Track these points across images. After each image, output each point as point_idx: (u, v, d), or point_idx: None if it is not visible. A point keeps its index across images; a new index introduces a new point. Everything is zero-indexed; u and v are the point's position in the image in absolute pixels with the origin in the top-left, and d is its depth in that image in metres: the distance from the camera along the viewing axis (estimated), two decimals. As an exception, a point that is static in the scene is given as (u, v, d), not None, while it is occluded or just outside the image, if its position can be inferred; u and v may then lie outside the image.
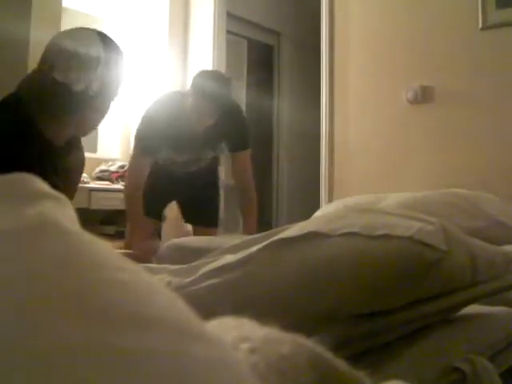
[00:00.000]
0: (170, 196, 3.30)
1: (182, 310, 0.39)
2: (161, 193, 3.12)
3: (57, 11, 3.58)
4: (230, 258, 1.07)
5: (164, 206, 3.37)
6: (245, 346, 0.46)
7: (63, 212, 0.47)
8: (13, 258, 0.38)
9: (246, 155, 3.03)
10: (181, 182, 3.12)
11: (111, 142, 5.03)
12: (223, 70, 4.82)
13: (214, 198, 3.39)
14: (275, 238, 1.03)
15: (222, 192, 3.75)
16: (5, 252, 0.39)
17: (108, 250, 0.43)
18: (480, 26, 3.37)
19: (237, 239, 1.68)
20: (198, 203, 3.25)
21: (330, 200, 3.93)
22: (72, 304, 0.35)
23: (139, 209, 2.81)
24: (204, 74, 2.77)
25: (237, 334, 0.48)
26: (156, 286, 0.41)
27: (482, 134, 3.36)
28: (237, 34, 5.73)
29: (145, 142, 2.78)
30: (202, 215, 3.30)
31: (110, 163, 4.80)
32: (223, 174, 4.43)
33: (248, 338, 0.47)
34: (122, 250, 2.62)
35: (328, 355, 0.50)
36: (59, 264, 0.38)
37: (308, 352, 0.48)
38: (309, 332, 0.52)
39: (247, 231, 3.01)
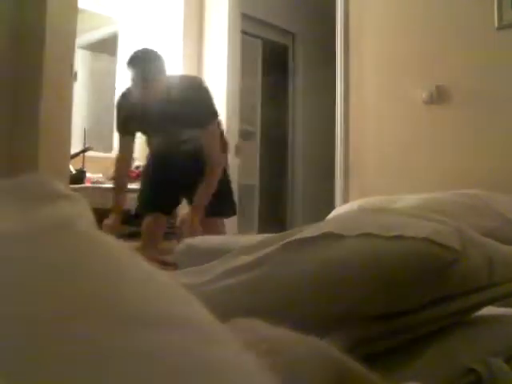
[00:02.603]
0: (175, 188, 3.29)
1: (199, 310, 0.39)
2: (163, 184, 3.25)
3: (73, 2, 3.58)
4: (245, 259, 1.07)
5: (174, 201, 3.39)
6: (261, 347, 0.46)
7: (79, 212, 0.47)
8: (27, 260, 0.38)
9: (213, 129, 3.14)
10: (180, 171, 3.20)
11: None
12: (238, 70, 4.83)
13: (222, 184, 3.23)
14: (291, 238, 1.03)
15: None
16: (20, 253, 0.39)
17: (123, 251, 0.43)
18: (496, 25, 3.35)
19: (251, 240, 1.68)
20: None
21: (345, 201, 3.91)
22: (88, 304, 0.35)
23: (123, 187, 3.38)
24: (131, 57, 3.04)
25: (252, 335, 0.48)
26: (171, 286, 0.41)
27: (498, 135, 3.33)
28: (251, 35, 5.73)
29: (118, 126, 3.35)
30: (212, 204, 3.14)
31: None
32: (236, 173, 4.42)
33: (264, 339, 0.47)
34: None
35: (343, 357, 0.50)
36: (74, 265, 0.38)
37: (323, 354, 0.48)
38: (325, 333, 0.52)
39: (200, 191, 3.07)
